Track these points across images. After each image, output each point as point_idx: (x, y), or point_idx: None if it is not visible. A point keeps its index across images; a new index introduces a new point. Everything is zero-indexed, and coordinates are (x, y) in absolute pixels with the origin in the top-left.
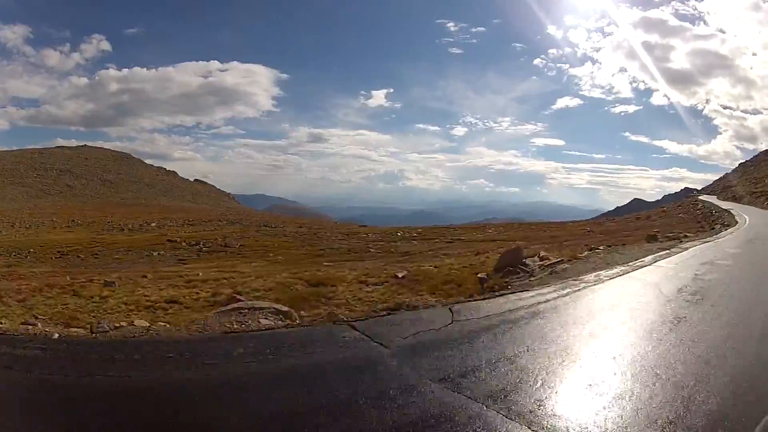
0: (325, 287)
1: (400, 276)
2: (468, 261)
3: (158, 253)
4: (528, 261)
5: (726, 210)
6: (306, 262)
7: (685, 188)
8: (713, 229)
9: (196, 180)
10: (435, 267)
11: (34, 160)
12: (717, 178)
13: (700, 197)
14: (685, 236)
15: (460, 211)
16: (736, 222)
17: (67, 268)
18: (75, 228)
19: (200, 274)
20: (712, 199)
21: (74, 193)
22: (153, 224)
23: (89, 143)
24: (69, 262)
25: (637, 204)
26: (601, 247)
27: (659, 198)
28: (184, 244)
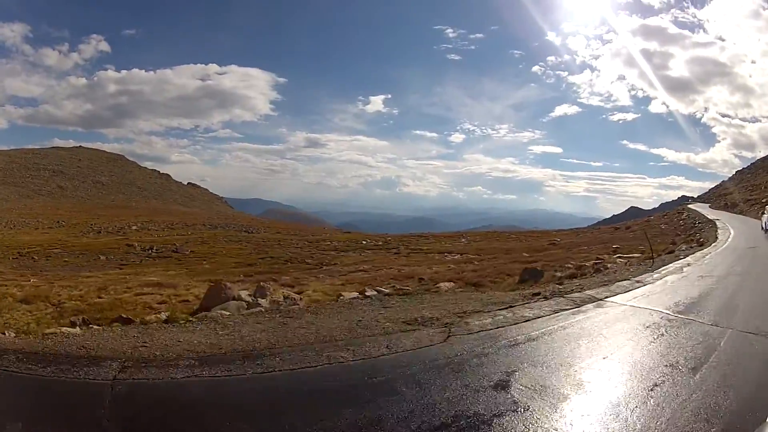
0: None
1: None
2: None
3: (107, 257)
4: (232, 303)
5: (712, 221)
6: (221, 273)
7: (682, 196)
8: (690, 246)
9: (189, 183)
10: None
11: (28, 160)
12: (714, 186)
13: (689, 206)
14: (641, 259)
15: (457, 218)
16: (716, 238)
17: (5, 270)
18: (56, 229)
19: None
20: (704, 207)
21: (65, 194)
22: (134, 227)
23: (86, 144)
24: (21, 263)
25: (633, 212)
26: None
27: (656, 206)
28: (138, 248)
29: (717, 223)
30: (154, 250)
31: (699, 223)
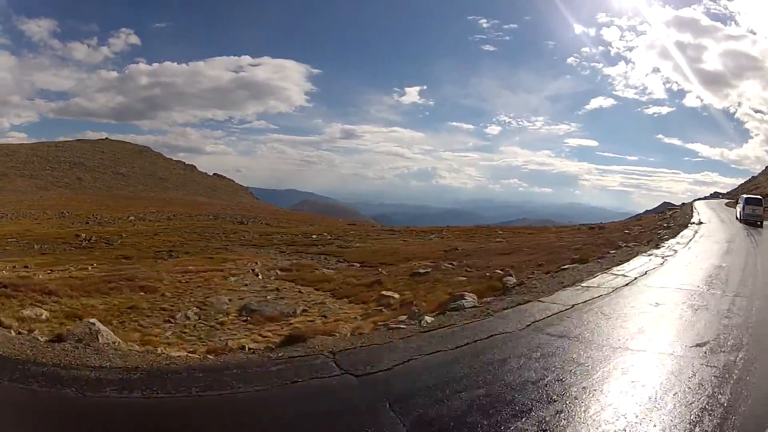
0: None
1: None
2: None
3: (41, 246)
4: None
5: (698, 225)
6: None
7: (714, 192)
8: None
9: (215, 174)
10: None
11: (50, 153)
12: (745, 181)
13: (695, 203)
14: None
15: (493, 210)
16: (675, 252)
17: None
18: (52, 220)
19: None
20: (720, 204)
21: (84, 185)
22: (131, 218)
23: (113, 136)
24: None
25: (665, 208)
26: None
27: (689, 202)
28: (82, 239)
29: (699, 230)
30: (91, 241)
31: (672, 225)
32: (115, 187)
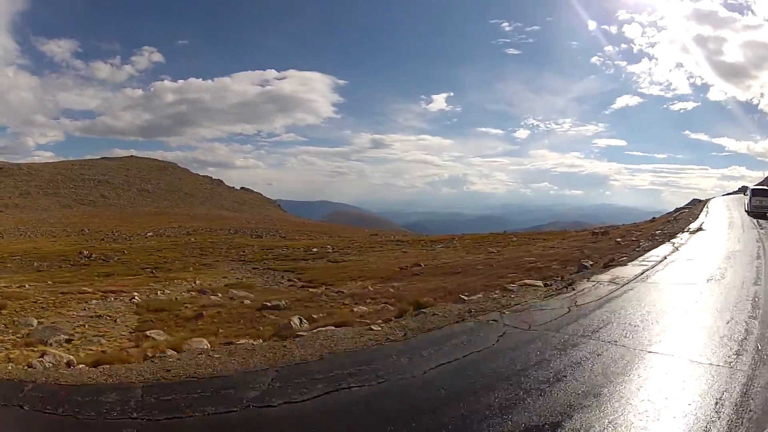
0: None
1: None
2: None
3: (42, 263)
4: None
5: (691, 234)
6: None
7: (742, 186)
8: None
9: (242, 188)
10: None
11: (74, 171)
12: None
13: (709, 201)
14: None
15: (526, 215)
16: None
17: None
18: (70, 237)
19: None
20: (734, 202)
21: (108, 202)
22: (149, 234)
23: (142, 154)
24: None
25: (693, 203)
26: None
27: (704, 200)
28: (83, 255)
29: (670, 245)
30: (91, 258)
31: (666, 232)
32: (140, 204)
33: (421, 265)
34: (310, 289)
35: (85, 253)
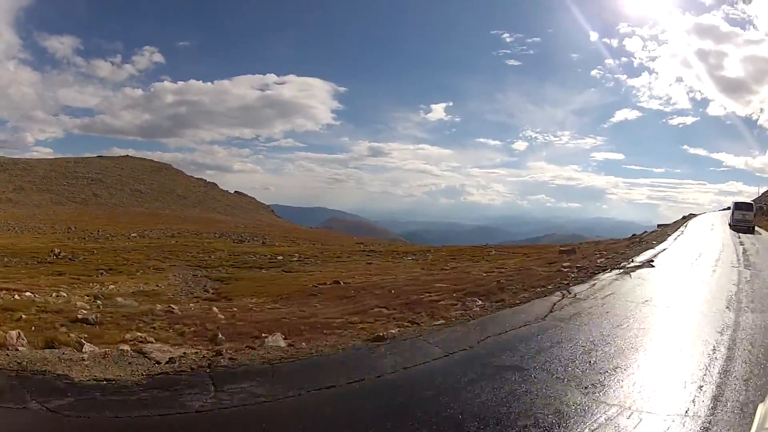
0: None
1: None
2: None
3: (10, 259)
4: None
5: (639, 268)
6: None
7: (734, 202)
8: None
9: (236, 192)
10: None
11: (68, 169)
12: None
13: (689, 220)
14: None
15: (522, 226)
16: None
17: None
18: (56, 235)
19: None
20: (719, 219)
21: (99, 201)
22: (133, 234)
23: (140, 153)
24: None
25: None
26: None
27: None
28: (53, 254)
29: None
30: (59, 256)
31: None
32: (131, 204)
33: (340, 283)
34: (201, 302)
35: (56, 251)
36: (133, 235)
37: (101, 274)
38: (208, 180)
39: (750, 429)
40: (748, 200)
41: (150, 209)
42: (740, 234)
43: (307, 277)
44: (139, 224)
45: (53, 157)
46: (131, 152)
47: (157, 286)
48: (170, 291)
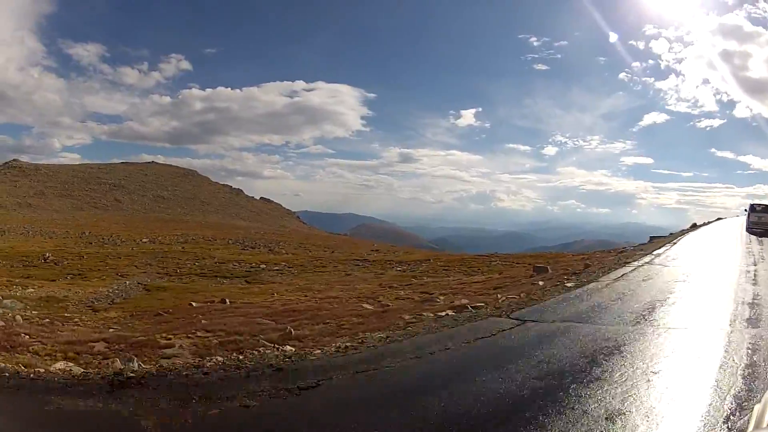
0: None
1: None
2: None
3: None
4: None
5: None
6: None
7: (751, 205)
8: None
9: (262, 198)
10: None
11: (91, 175)
12: None
13: (686, 233)
14: None
15: (551, 232)
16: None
17: None
18: (67, 239)
19: None
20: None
21: (120, 207)
22: (144, 240)
23: (169, 160)
24: None
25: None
26: None
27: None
28: (44, 258)
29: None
30: (47, 260)
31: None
32: (153, 210)
33: (226, 302)
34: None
35: (47, 255)
36: (144, 240)
37: (67, 278)
38: (237, 186)
39: (747, 429)
40: (765, 203)
41: (171, 215)
42: (754, 252)
43: (234, 292)
44: (155, 230)
45: (76, 164)
46: (160, 158)
47: (77, 293)
48: (85, 299)
